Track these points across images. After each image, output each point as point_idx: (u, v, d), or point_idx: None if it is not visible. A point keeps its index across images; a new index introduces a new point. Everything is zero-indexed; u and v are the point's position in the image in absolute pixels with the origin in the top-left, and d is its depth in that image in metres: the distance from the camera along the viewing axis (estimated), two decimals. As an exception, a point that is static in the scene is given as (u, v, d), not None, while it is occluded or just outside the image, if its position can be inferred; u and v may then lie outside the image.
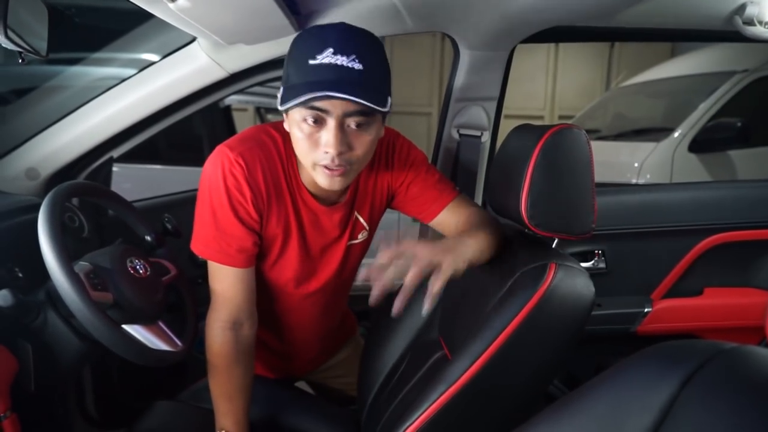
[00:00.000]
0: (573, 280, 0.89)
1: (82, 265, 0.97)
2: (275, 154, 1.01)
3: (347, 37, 0.85)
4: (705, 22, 1.27)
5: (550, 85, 7.05)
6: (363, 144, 0.90)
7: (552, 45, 6.80)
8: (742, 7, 1.19)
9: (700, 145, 3.41)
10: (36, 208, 1.21)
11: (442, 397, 0.89)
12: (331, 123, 0.86)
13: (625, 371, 0.55)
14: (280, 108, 0.88)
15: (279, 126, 1.04)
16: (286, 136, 1.01)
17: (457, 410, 0.89)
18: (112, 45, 1.70)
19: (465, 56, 1.33)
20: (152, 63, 1.30)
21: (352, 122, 0.88)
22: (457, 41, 1.31)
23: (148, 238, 1.21)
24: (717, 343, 0.52)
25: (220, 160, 0.96)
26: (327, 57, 0.82)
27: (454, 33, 1.28)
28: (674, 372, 0.49)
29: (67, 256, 0.89)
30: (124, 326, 0.97)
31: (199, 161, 3.59)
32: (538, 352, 0.89)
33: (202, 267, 1.91)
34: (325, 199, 1.07)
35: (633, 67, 5.26)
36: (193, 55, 1.24)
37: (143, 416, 1.21)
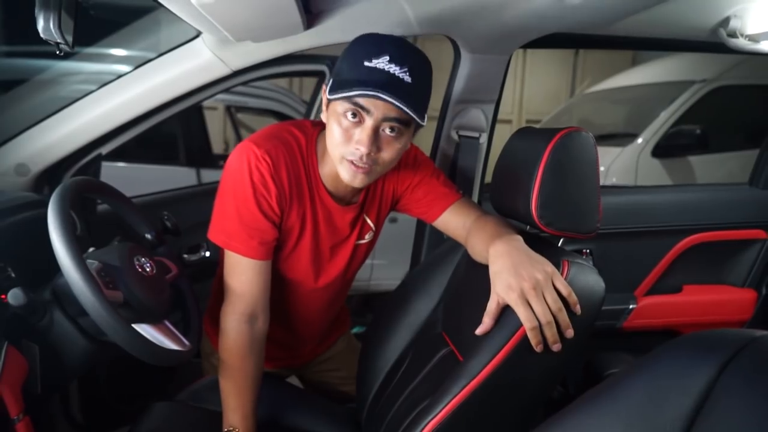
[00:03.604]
0: (586, 277, 0.93)
1: (90, 263, 0.95)
2: (297, 152, 1.05)
3: (404, 52, 0.90)
4: (692, 33, 1.34)
5: (518, 91, 7.22)
6: (391, 150, 0.95)
7: (520, 52, 6.95)
8: (726, 20, 1.27)
9: (662, 150, 3.57)
10: (29, 206, 1.18)
11: (460, 395, 0.90)
12: (368, 123, 0.91)
13: (659, 360, 0.57)
14: (327, 97, 0.92)
15: (301, 125, 1.10)
16: (308, 137, 1.07)
17: (475, 408, 0.90)
18: (104, 41, 1.65)
19: (466, 59, 1.36)
20: (149, 60, 1.28)
21: (387, 127, 0.93)
22: (459, 45, 1.34)
23: (148, 236, 1.18)
24: (747, 330, 0.56)
25: (246, 156, 0.99)
26: (382, 63, 0.88)
27: (456, 36, 1.31)
28: (710, 359, 0.52)
29: (80, 253, 0.86)
30: (133, 326, 0.95)
31: (171, 160, 3.48)
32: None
33: (189, 267, 1.88)
34: (341, 199, 1.12)
35: (596, 74, 5.44)
36: (196, 52, 1.23)
37: (142, 417, 1.18)
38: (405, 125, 0.94)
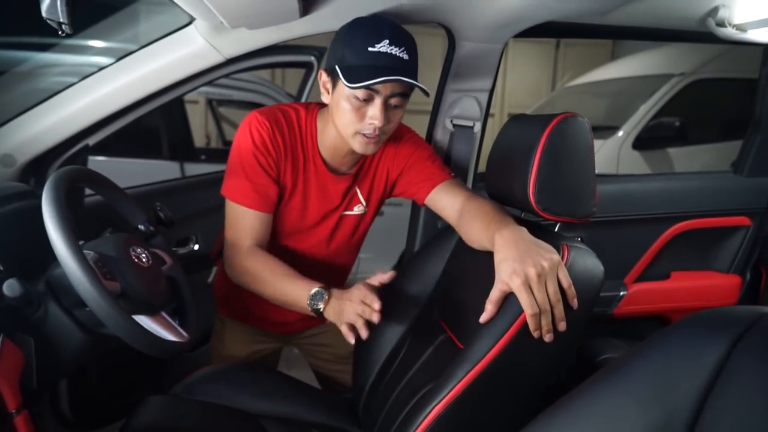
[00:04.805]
0: (585, 261, 0.94)
1: (87, 254, 0.92)
2: (296, 122, 1.18)
3: (399, 33, 1.03)
4: (681, 23, 1.36)
5: (500, 84, 7.25)
6: (396, 119, 1.10)
7: (501, 45, 7.01)
8: (714, 10, 1.30)
9: (643, 142, 3.62)
10: (17, 197, 1.14)
11: (463, 381, 0.90)
12: (378, 101, 1.04)
13: (669, 339, 0.57)
14: (348, 85, 0.99)
15: (304, 103, 1.23)
16: (310, 111, 1.21)
17: (477, 394, 0.91)
18: (83, 33, 1.61)
19: (461, 48, 1.36)
20: (140, 47, 1.25)
21: (393, 101, 1.06)
22: (454, 33, 1.34)
23: (141, 227, 1.16)
24: (756, 307, 0.56)
25: (249, 121, 1.15)
26: (384, 47, 1.00)
27: (451, 25, 1.31)
28: (721, 335, 0.53)
29: (78, 243, 0.84)
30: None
31: (154, 153, 3.41)
32: (556, 331, 0.92)
33: (178, 260, 1.86)
34: (336, 169, 1.22)
35: (577, 68, 5.50)
36: (188, 39, 1.21)
37: (137, 411, 1.16)
38: (406, 97, 1.07)
